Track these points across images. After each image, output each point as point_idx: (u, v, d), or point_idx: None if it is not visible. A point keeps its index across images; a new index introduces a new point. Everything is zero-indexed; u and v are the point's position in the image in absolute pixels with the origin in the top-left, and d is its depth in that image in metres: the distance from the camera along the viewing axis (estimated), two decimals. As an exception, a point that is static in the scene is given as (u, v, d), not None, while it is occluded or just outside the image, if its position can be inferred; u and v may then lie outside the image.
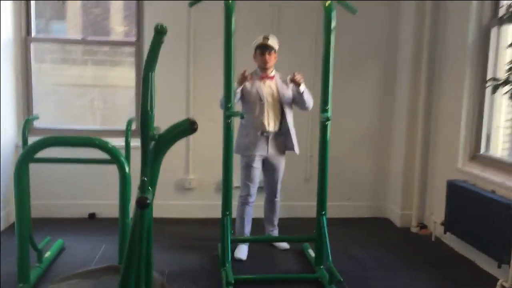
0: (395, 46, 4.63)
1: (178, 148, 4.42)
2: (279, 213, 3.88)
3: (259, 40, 3.51)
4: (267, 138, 3.55)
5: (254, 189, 3.64)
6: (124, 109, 4.72)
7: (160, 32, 1.84)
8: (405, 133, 4.47)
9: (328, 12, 3.22)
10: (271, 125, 3.53)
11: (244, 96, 3.51)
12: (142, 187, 1.91)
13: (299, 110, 3.69)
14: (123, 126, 3.76)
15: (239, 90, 3.42)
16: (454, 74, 4.02)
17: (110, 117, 4.86)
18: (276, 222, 3.84)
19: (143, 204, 1.86)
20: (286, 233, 3.98)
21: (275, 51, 3.53)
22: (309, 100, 3.56)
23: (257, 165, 3.58)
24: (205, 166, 4.55)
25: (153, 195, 1.97)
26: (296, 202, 4.52)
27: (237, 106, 3.54)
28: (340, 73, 4.35)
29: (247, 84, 3.48)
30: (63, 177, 4.44)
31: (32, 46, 4.50)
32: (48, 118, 4.58)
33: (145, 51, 4.37)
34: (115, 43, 4.61)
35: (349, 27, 4.39)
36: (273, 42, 3.51)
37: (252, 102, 3.51)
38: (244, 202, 3.66)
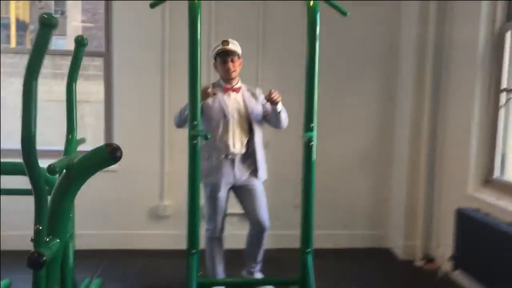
0: (396, 53, 4.18)
1: (151, 169, 4.05)
2: (265, 246, 3.34)
3: (217, 46, 3.04)
4: (233, 161, 3.05)
5: (220, 219, 3.14)
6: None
7: (47, 25, 1.34)
8: (408, 152, 4.00)
9: (312, 13, 2.73)
10: (237, 146, 3.04)
11: (204, 112, 3.00)
12: (37, 240, 1.41)
13: (270, 127, 3.23)
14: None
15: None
16: (463, 84, 3.59)
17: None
18: (260, 258, 3.30)
19: (37, 263, 1.35)
20: (271, 268, 3.45)
21: (238, 56, 3.07)
22: (285, 119, 3.11)
23: (223, 194, 3.08)
24: (182, 190, 3.99)
25: (59, 249, 1.46)
26: (284, 231, 3.99)
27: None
28: (333, 85, 4.06)
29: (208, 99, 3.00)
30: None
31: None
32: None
33: (115, 63, 4.02)
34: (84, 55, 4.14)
35: (342, 32, 4.04)
36: (234, 46, 3.04)
37: (214, 119, 3.02)
38: (212, 237, 3.15)
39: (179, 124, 3.10)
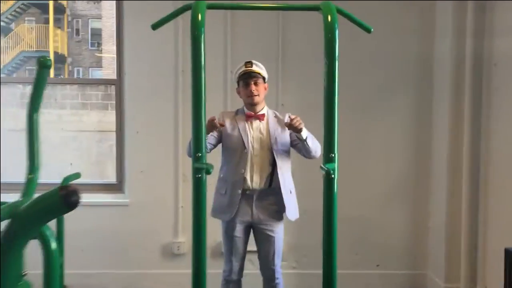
0: (430, 70, 3.84)
1: (165, 203, 3.76)
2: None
3: (240, 68, 2.78)
4: (251, 197, 2.73)
5: (238, 263, 2.81)
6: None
7: (44, 66, 1.18)
8: (447, 182, 3.63)
9: (329, 30, 2.41)
10: (255, 180, 2.72)
11: (223, 141, 2.74)
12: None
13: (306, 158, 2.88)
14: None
15: (210, 136, 2.66)
16: (509, 105, 3.24)
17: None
18: None
19: None
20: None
21: (264, 79, 2.79)
22: (315, 147, 2.77)
23: (239, 233, 2.77)
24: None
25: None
26: (311, 270, 3.62)
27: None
28: (360, 108, 3.83)
29: (228, 125, 2.72)
30: None
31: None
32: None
33: (126, 90, 3.83)
34: (93, 82, 3.99)
35: (366, 46, 3.72)
36: (259, 68, 2.77)
37: (232, 149, 2.73)
38: (228, 280, 2.83)
39: (190, 154, 2.82)
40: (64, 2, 20.35)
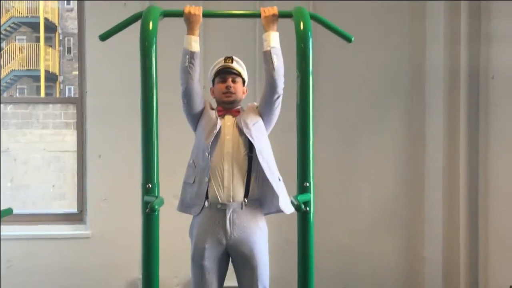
0: (422, 80, 3.72)
1: (131, 236, 3.40)
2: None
3: (218, 63, 2.45)
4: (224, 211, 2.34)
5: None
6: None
7: None
8: (442, 206, 3.50)
9: (302, 40, 2.09)
10: (226, 169, 2.34)
11: (198, 125, 2.42)
12: None
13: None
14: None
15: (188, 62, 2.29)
16: (508, 121, 3.14)
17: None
18: None
19: None
20: None
21: (243, 80, 2.46)
22: (279, 65, 2.32)
23: (210, 264, 2.34)
24: (167, 260, 3.38)
25: None
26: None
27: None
28: (346, 123, 3.71)
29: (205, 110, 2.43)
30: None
31: None
32: None
33: (88, 110, 3.58)
34: (53, 101, 3.71)
35: (352, 57, 3.58)
36: (239, 66, 2.45)
37: (201, 131, 2.40)
38: None
39: (181, 80, 2.36)
40: (55, 21, 20.32)
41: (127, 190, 3.49)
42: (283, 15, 2.33)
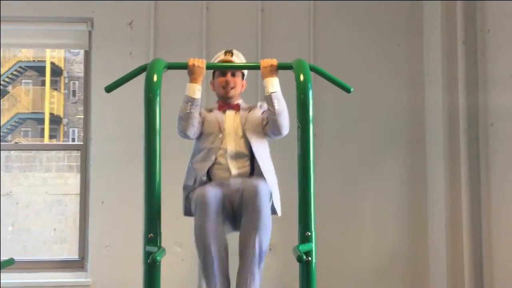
0: (421, 127, 3.70)
1: (133, 285, 3.30)
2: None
3: (218, 57, 2.48)
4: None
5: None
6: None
7: None
8: (446, 253, 3.40)
9: (302, 90, 2.13)
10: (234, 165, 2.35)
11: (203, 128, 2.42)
12: None
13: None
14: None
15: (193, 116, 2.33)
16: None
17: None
18: None
19: None
20: None
21: (243, 75, 2.50)
22: (283, 112, 2.33)
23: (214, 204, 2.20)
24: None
25: None
26: None
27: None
28: (347, 173, 3.66)
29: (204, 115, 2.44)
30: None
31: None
32: None
33: (92, 156, 3.56)
34: (58, 148, 3.72)
35: (351, 103, 3.53)
36: (240, 60, 2.48)
37: (206, 134, 2.42)
38: None
39: (181, 125, 2.36)
40: (61, 65, 20.58)
41: (129, 238, 3.45)
42: (283, 66, 2.38)
